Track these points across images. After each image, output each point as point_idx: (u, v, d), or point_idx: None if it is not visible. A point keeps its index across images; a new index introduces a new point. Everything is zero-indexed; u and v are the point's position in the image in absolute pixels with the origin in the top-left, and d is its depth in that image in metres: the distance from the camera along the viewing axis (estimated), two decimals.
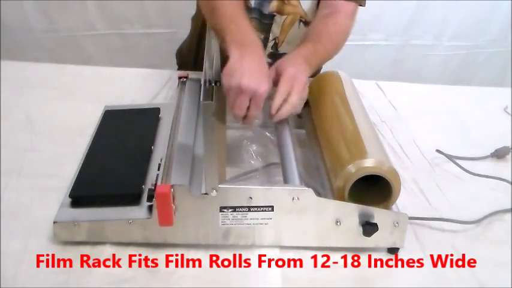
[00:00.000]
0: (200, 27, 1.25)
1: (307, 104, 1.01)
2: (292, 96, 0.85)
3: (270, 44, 1.17)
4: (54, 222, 0.75)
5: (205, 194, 0.71)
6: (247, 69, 0.81)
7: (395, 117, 1.17)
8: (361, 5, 1.10)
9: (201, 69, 1.01)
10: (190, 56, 1.31)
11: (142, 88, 1.17)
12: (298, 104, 0.87)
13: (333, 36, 1.03)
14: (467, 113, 1.21)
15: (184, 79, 1.05)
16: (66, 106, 1.10)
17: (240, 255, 0.76)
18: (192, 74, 1.06)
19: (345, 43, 1.07)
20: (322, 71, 1.11)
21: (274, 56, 1.17)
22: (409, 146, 1.07)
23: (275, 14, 1.13)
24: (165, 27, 2.00)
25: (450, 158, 1.00)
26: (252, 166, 0.91)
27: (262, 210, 0.74)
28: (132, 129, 0.97)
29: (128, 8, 1.97)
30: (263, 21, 1.13)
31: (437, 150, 1.02)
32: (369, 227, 0.74)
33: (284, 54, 1.16)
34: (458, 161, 0.99)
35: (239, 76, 0.80)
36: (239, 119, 0.84)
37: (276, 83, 0.86)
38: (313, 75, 1.04)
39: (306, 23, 1.14)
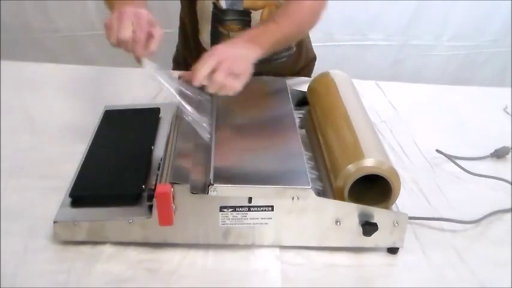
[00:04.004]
0: (180, 27, 1.27)
1: (307, 103, 1.02)
2: (216, 74, 0.80)
3: None
4: (54, 222, 0.75)
5: (206, 193, 0.71)
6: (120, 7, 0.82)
7: (395, 117, 1.17)
8: None
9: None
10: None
11: (142, 88, 1.17)
12: (229, 82, 0.81)
13: (290, 15, 0.99)
14: (467, 113, 1.21)
15: None
16: (66, 106, 1.10)
17: (240, 255, 0.76)
18: None
19: (316, 20, 1.04)
20: (322, 71, 1.11)
21: None
22: (409, 146, 1.07)
23: (250, 11, 1.11)
24: (165, 27, 1.99)
25: (450, 158, 1.00)
26: None
27: (262, 210, 0.74)
28: (132, 129, 0.97)
29: None
30: (241, 19, 1.13)
31: (437, 150, 1.02)
32: (368, 227, 0.74)
33: None
34: (458, 161, 0.99)
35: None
36: (128, 46, 0.80)
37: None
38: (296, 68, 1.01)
39: None
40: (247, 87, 1.04)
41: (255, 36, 0.91)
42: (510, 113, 1.22)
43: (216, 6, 1.11)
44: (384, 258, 0.79)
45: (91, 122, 0.99)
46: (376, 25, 2.06)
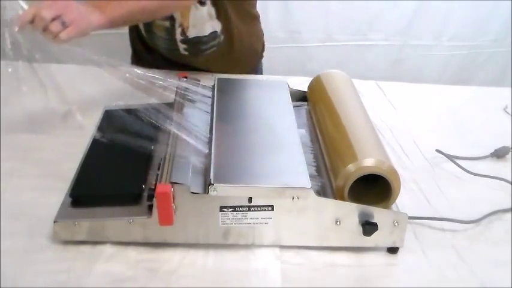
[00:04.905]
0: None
1: (307, 103, 1.02)
2: (43, 10, 0.81)
3: (178, 30, 1.18)
4: (54, 222, 0.75)
5: (206, 193, 0.71)
6: None
7: (395, 117, 1.17)
8: None
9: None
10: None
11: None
12: (54, 25, 0.82)
13: None
14: (467, 113, 1.22)
15: (184, 79, 1.05)
16: (66, 106, 1.10)
17: (240, 255, 0.76)
18: (192, 74, 1.07)
19: (184, 3, 1.05)
20: (322, 71, 1.11)
21: (187, 41, 1.19)
22: (409, 146, 1.07)
23: None
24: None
25: (450, 157, 1.00)
26: None
27: (262, 210, 0.74)
28: (132, 129, 0.97)
29: None
30: None
31: (437, 150, 1.02)
32: (368, 227, 0.74)
33: (195, 37, 1.18)
34: (458, 161, 1.00)
35: None
36: None
37: None
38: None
39: (202, 3, 1.13)
40: (247, 87, 1.05)
41: (102, 4, 0.90)
42: (510, 113, 1.22)
43: None
44: (384, 258, 0.79)
45: (91, 122, 0.99)
46: (376, 25, 2.06)
